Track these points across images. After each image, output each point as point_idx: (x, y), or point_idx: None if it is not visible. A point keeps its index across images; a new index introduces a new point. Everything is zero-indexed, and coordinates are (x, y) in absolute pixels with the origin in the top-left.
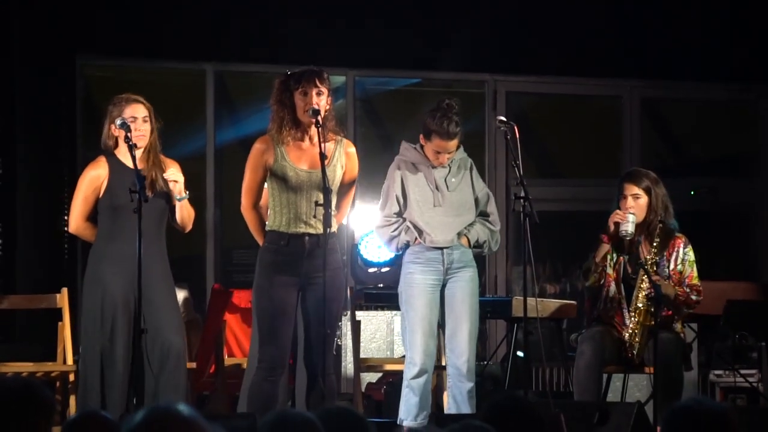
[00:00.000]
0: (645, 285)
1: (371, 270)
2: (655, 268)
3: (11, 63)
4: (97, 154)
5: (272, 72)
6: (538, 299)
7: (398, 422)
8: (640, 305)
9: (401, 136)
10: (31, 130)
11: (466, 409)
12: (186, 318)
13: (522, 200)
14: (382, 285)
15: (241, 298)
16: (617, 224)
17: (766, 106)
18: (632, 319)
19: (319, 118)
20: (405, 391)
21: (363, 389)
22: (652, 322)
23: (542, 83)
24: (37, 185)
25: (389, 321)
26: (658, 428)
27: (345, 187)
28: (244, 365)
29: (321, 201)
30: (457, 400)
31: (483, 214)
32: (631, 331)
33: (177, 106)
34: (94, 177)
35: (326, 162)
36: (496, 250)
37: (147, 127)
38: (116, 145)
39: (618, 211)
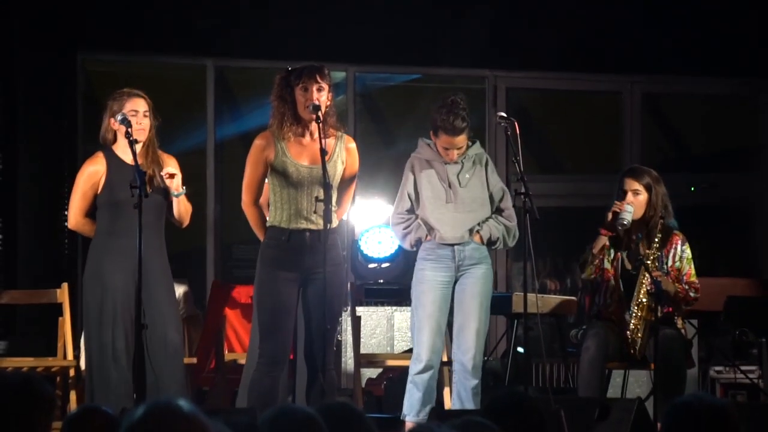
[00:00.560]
0: (646, 281)
1: (371, 265)
2: (656, 264)
3: (12, 58)
4: (98, 149)
5: (273, 67)
6: (538, 295)
7: (401, 417)
8: (643, 300)
9: (401, 132)
10: (32, 126)
11: (470, 405)
12: (186, 313)
13: (522, 196)
14: (382, 280)
15: (241, 293)
16: (615, 214)
17: (766, 100)
18: (634, 315)
19: (320, 113)
20: (409, 387)
21: (363, 385)
22: (653, 318)
23: (543, 79)
24: (37, 180)
25: (389, 316)
26: (659, 424)
27: (345, 182)
28: (244, 361)
29: (321, 197)
30: (461, 396)
31: (498, 210)
32: (633, 327)
33: (178, 101)
34: (92, 173)
35: (327, 158)
36: (513, 245)
37: (147, 122)
38: (114, 139)
39: (617, 201)
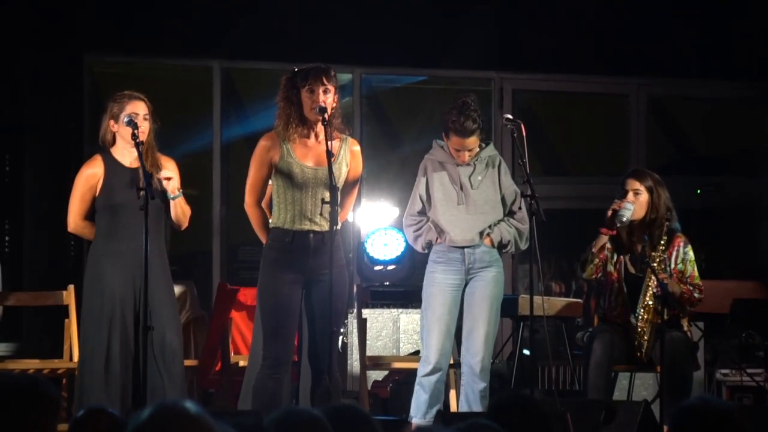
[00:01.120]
0: (652, 284)
1: (377, 268)
2: (662, 267)
3: (19, 60)
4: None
5: (279, 69)
6: (544, 297)
7: (408, 419)
8: (649, 303)
9: (408, 134)
10: (38, 128)
11: (477, 408)
12: (192, 315)
13: (528, 198)
14: (388, 283)
15: (247, 295)
16: (614, 212)
17: None
18: (641, 317)
19: (326, 115)
20: (416, 388)
21: (369, 387)
22: (660, 321)
23: (549, 81)
24: (44, 183)
25: (395, 319)
26: (665, 427)
27: (349, 185)
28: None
29: (327, 198)
30: (469, 399)
31: (511, 213)
32: (639, 330)
33: (184, 102)
34: (90, 175)
35: (332, 160)
36: (525, 249)
37: (146, 125)
38: (113, 141)
39: (616, 200)
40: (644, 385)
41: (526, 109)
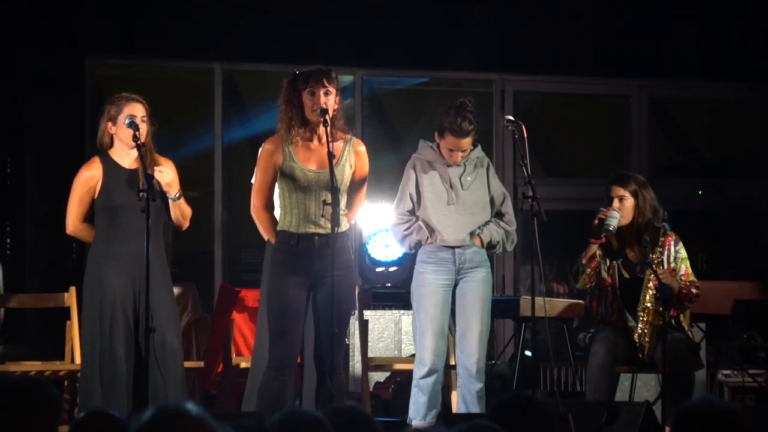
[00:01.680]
0: (652, 285)
1: (379, 269)
2: (662, 267)
3: (20, 62)
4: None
5: (280, 71)
6: (545, 299)
7: (407, 421)
8: (648, 305)
9: (409, 136)
10: (39, 130)
11: (475, 409)
12: (193, 317)
13: (530, 199)
14: (389, 284)
15: (249, 296)
16: (601, 220)
17: None
18: (641, 319)
19: (328, 117)
20: (414, 391)
21: (371, 388)
22: (661, 322)
23: (550, 83)
24: (45, 184)
25: (397, 320)
26: (667, 428)
27: (356, 185)
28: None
29: (329, 200)
30: (466, 400)
31: (498, 214)
32: (640, 332)
33: (185, 105)
34: (89, 177)
35: (335, 161)
36: (511, 250)
37: (144, 127)
38: (111, 143)
39: (602, 209)
40: (646, 386)
41: (527, 110)
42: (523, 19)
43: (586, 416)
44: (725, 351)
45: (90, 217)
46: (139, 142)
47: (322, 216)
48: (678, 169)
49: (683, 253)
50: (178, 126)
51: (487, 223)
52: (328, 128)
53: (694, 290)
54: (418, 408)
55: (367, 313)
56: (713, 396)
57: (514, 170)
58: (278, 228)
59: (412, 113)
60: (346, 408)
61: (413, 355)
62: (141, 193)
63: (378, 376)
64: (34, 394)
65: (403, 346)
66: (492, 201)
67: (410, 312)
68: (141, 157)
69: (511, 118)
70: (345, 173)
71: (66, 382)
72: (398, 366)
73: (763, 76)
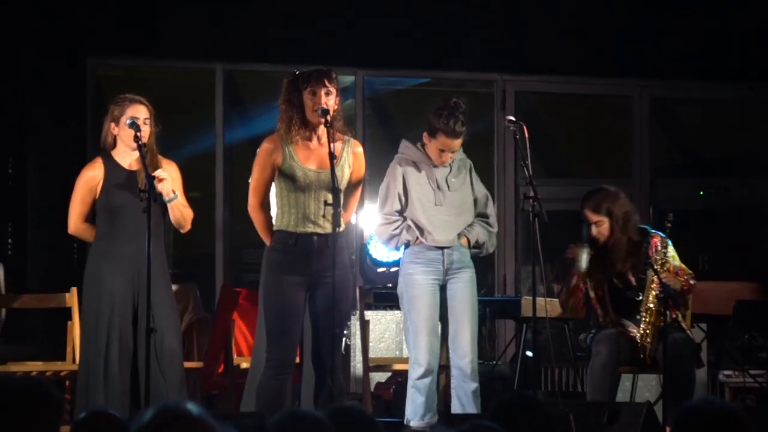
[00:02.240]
0: (654, 286)
1: (380, 270)
2: (664, 267)
3: (21, 63)
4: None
5: (281, 71)
6: (546, 299)
7: (405, 422)
8: (651, 306)
9: (410, 136)
10: (41, 131)
11: (471, 409)
12: (194, 317)
13: (531, 200)
14: (391, 285)
15: (251, 297)
16: (571, 260)
17: None
18: (643, 320)
19: (328, 117)
20: (411, 392)
21: (372, 389)
22: (662, 323)
23: (551, 83)
24: (47, 185)
25: (398, 321)
26: (668, 429)
27: (352, 186)
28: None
29: (330, 201)
30: (462, 400)
31: (481, 215)
32: (642, 333)
33: (187, 105)
34: (90, 178)
35: (335, 161)
36: (493, 251)
37: (147, 128)
38: (114, 144)
39: (571, 246)
40: (647, 387)
41: (528, 111)
42: (524, 19)
43: (587, 416)
44: (726, 351)
45: (92, 217)
46: (140, 143)
47: (323, 216)
48: (679, 170)
49: (671, 250)
50: (179, 126)
51: (473, 224)
52: (329, 129)
53: (692, 281)
54: (416, 409)
55: (369, 314)
56: (714, 396)
57: (516, 171)
58: (275, 227)
59: (413, 114)
60: (348, 408)
61: None
62: (142, 194)
63: (379, 377)
64: (36, 395)
65: (404, 347)
66: (476, 202)
67: None
68: (142, 157)
69: (513, 118)
70: (344, 174)
71: (67, 383)
72: (399, 366)
73: (764, 76)
